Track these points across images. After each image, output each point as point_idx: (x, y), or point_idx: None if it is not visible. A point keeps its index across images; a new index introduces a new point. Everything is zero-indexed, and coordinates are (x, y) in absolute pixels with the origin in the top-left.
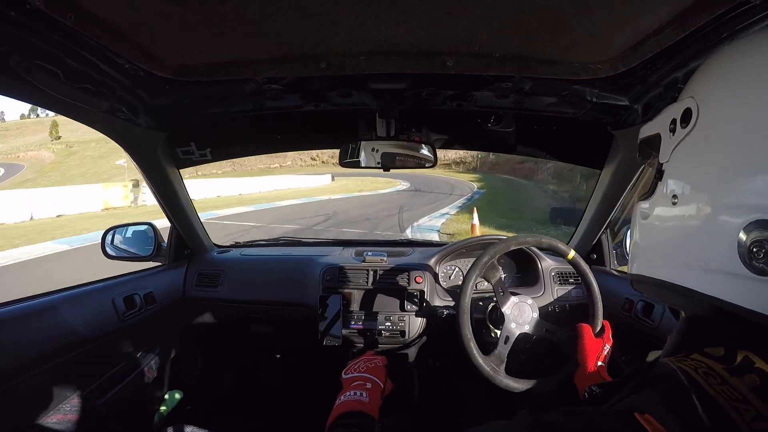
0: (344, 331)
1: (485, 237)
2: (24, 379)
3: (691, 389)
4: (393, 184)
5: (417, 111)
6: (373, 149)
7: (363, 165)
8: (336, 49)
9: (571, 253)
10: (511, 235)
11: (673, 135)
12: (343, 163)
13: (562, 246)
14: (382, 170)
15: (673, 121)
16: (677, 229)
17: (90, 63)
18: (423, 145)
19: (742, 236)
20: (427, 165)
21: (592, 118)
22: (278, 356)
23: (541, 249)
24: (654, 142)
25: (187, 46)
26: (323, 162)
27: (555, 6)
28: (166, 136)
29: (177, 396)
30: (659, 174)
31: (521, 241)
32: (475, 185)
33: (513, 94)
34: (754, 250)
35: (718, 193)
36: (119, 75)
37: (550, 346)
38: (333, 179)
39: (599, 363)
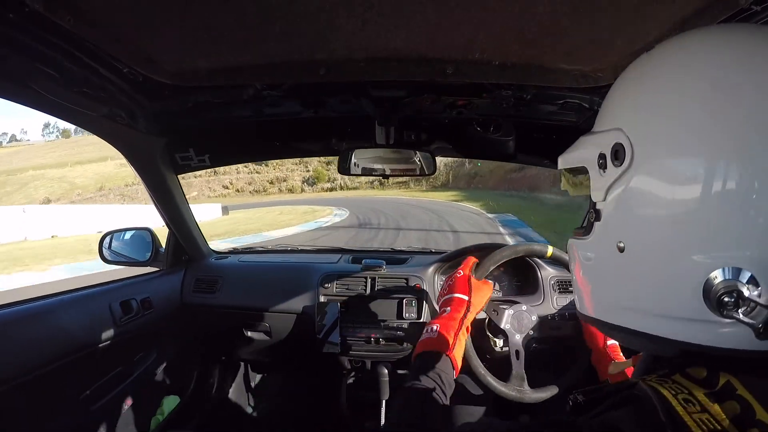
0: (342, 339)
1: (485, 244)
2: (19, 382)
3: (668, 419)
4: (319, 214)
5: (416, 118)
6: (371, 157)
7: (362, 173)
8: (335, 55)
9: (550, 250)
10: None
11: (605, 172)
12: (341, 170)
13: (537, 247)
14: (381, 178)
15: (602, 157)
16: (630, 278)
17: (88, 67)
18: (422, 153)
19: (710, 286)
20: (426, 173)
21: (593, 126)
22: (275, 362)
23: (520, 257)
24: (581, 172)
25: (186, 51)
26: (237, 191)
27: (555, 13)
28: (165, 141)
29: (174, 401)
30: (596, 214)
31: (498, 258)
32: (483, 210)
33: (513, 102)
34: (725, 299)
35: (674, 243)
36: (118, 79)
37: (561, 342)
38: (226, 212)
39: (609, 342)
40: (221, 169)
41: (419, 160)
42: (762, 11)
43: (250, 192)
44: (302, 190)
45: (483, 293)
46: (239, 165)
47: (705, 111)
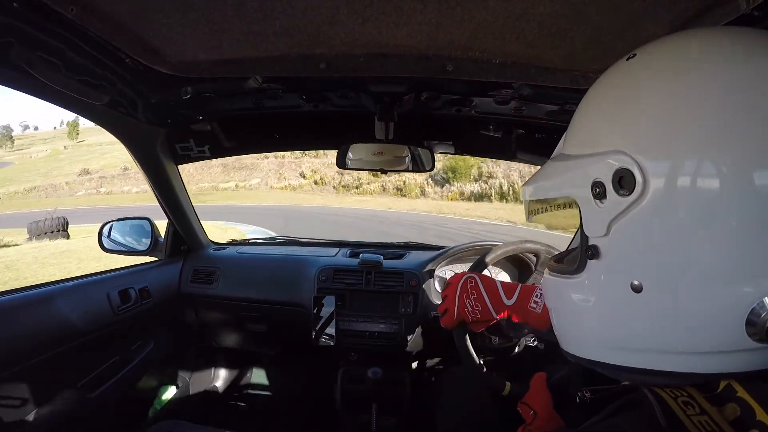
0: (338, 332)
1: (480, 242)
2: (18, 369)
3: (666, 422)
4: None
5: (416, 115)
6: (370, 152)
7: (360, 167)
8: (336, 50)
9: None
10: None
11: (603, 203)
12: (340, 164)
13: (531, 245)
14: (379, 173)
15: (598, 185)
16: (648, 319)
17: (91, 56)
18: (421, 150)
19: (757, 315)
20: (425, 169)
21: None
22: (272, 354)
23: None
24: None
25: (187, 43)
26: (317, 182)
27: (556, 13)
28: (166, 131)
29: (170, 390)
30: (591, 250)
31: (502, 252)
32: None
33: (513, 101)
34: None
35: (713, 273)
36: (120, 69)
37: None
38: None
39: None
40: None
41: (418, 156)
42: (763, 17)
43: (335, 186)
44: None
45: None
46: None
47: (739, 115)
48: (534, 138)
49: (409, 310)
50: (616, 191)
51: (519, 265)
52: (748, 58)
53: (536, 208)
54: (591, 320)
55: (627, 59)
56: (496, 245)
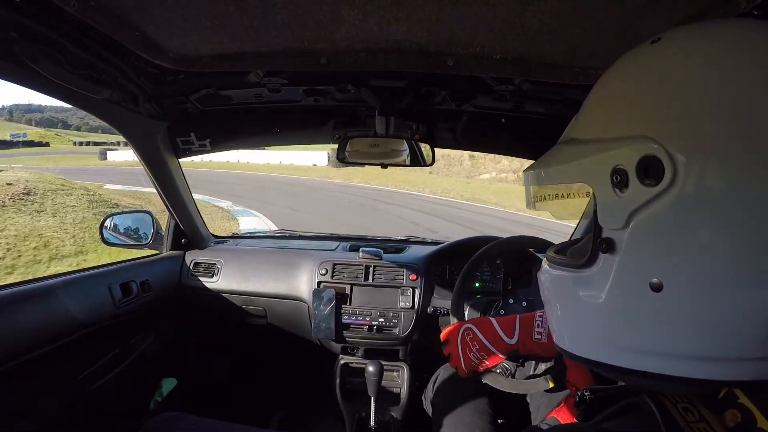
0: (337, 325)
1: (481, 237)
2: (19, 362)
3: (667, 428)
4: None
5: (416, 109)
6: (371, 146)
7: (361, 161)
8: (336, 45)
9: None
10: None
11: (624, 193)
12: (340, 158)
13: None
14: (380, 167)
15: (620, 173)
16: (666, 321)
17: (93, 51)
18: (421, 144)
19: None
20: (425, 163)
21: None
22: (271, 347)
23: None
24: (575, 191)
25: (189, 37)
26: None
27: (556, 9)
28: (167, 125)
29: (171, 383)
30: (605, 243)
31: (503, 247)
32: None
33: (513, 97)
34: None
35: (739, 275)
36: (121, 63)
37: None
38: None
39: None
40: None
41: (418, 151)
42: (763, 16)
43: None
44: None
45: None
46: None
47: None
48: (534, 134)
49: (409, 304)
50: (641, 180)
51: (516, 259)
52: None
53: (542, 194)
54: (597, 318)
55: (651, 42)
56: (496, 240)
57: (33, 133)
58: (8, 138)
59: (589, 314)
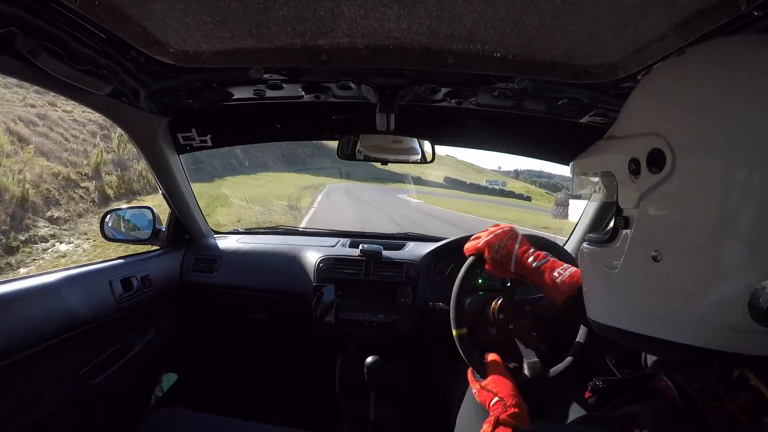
0: (337, 321)
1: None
2: (21, 357)
3: (686, 408)
4: None
5: (417, 106)
6: (371, 143)
7: (361, 158)
8: (337, 42)
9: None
10: None
11: (637, 179)
12: (341, 155)
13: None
14: (380, 164)
15: (635, 162)
16: (665, 288)
17: (94, 46)
18: (421, 141)
19: (758, 296)
20: (426, 160)
21: (593, 123)
22: (271, 342)
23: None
24: (605, 179)
25: (190, 33)
26: None
27: (557, 8)
28: (168, 121)
29: (172, 378)
30: (623, 221)
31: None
32: None
33: (513, 95)
34: None
35: (718, 252)
36: (122, 59)
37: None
38: None
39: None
40: None
41: (419, 148)
42: (764, 17)
43: None
44: None
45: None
46: None
47: (760, 113)
48: (534, 131)
49: (408, 301)
50: (649, 168)
51: None
52: None
53: (585, 185)
54: (614, 286)
55: (678, 55)
56: None
57: (519, 186)
58: (484, 184)
59: (609, 283)
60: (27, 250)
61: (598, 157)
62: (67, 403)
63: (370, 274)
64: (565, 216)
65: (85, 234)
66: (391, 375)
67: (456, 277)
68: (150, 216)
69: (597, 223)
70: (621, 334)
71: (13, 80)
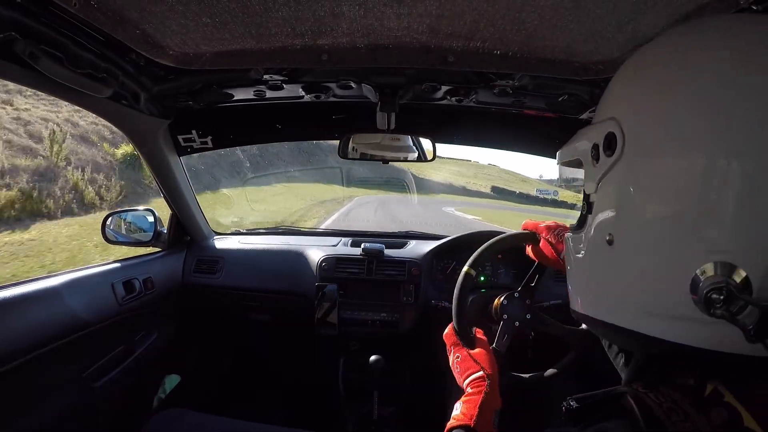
0: (340, 320)
1: (484, 231)
2: (24, 360)
3: (648, 429)
4: None
5: (417, 105)
6: (372, 142)
7: (362, 157)
8: (337, 42)
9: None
10: None
11: (597, 163)
12: (341, 154)
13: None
14: (381, 163)
15: (595, 147)
16: (618, 273)
17: (93, 50)
18: (422, 140)
19: (698, 282)
20: (426, 159)
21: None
22: (274, 343)
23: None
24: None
25: (190, 35)
26: None
27: (556, 5)
28: (168, 123)
29: (175, 380)
30: (588, 206)
31: (510, 242)
32: None
33: (513, 92)
34: (713, 296)
35: (664, 236)
36: (122, 62)
37: (548, 338)
38: None
39: None
40: None
41: (419, 147)
42: (762, 11)
43: None
44: None
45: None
46: None
47: (705, 104)
48: (535, 129)
49: (411, 299)
50: (604, 152)
51: (519, 254)
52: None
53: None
54: (582, 273)
55: (647, 44)
56: (500, 234)
57: (570, 195)
58: (534, 193)
59: (579, 270)
60: None
61: (572, 144)
62: (70, 405)
63: (372, 272)
64: None
65: None
66: (394, 374)
67: (458, 275)
68: (151, 218)
69: None
70: (588, 320)
71: None
